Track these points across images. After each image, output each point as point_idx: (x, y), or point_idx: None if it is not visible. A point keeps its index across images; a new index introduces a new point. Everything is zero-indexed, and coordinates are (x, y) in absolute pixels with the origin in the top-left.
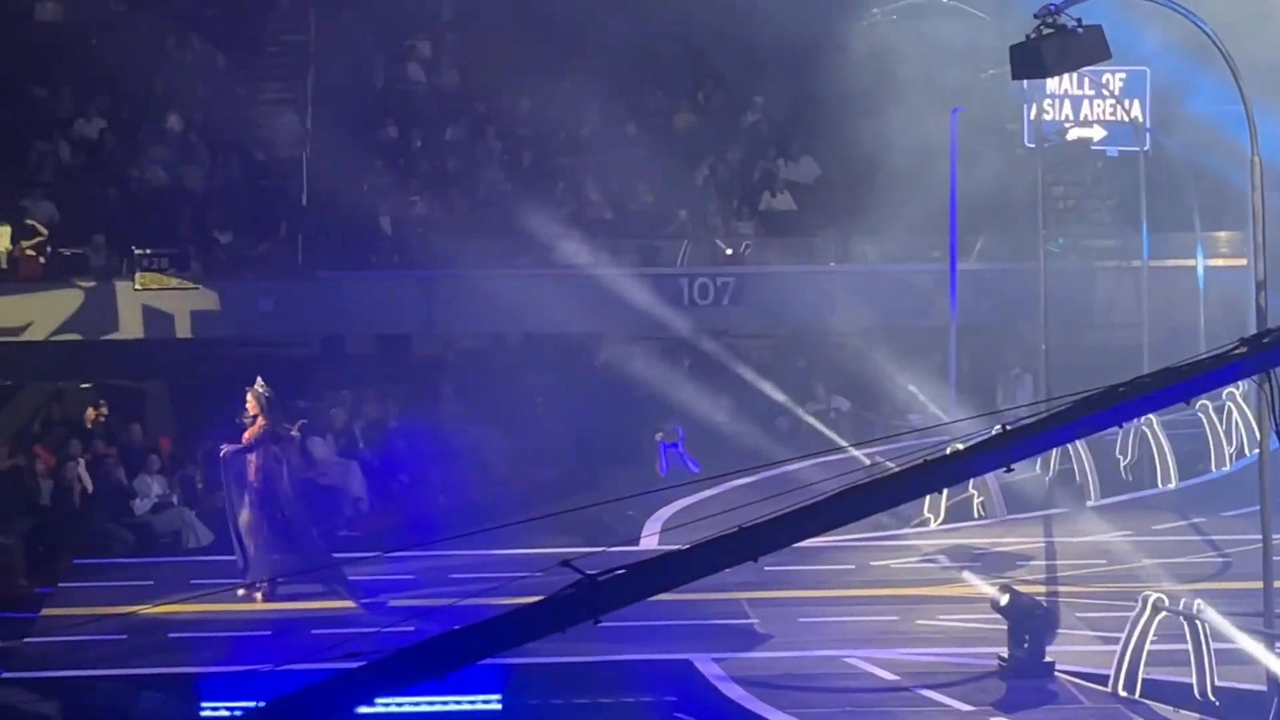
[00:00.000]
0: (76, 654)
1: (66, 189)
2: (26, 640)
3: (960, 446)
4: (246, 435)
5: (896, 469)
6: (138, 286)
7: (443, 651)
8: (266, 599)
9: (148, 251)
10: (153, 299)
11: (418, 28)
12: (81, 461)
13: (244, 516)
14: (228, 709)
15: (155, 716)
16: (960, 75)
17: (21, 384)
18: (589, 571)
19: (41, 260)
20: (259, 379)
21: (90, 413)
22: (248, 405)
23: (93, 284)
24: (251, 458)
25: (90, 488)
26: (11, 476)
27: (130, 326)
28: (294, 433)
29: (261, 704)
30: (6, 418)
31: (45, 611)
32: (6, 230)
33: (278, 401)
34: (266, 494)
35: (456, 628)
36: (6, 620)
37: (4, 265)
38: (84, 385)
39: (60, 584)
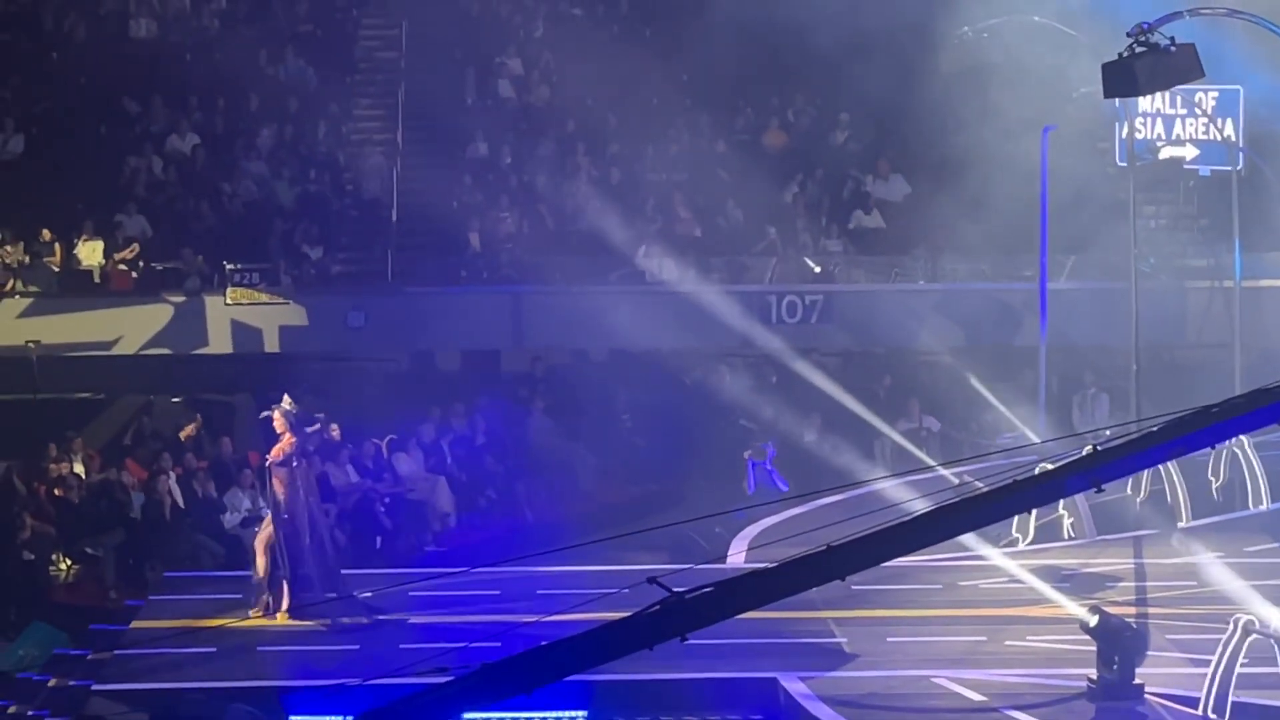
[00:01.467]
0: (166, 666)
1: (159, 203)
2: (117, 652)
3: (1050, 467)
4: (273, 453)
5: (986, 489)
6: (228, 301)
7: (530, 667)
8: (271, 614)
9: (238, 266)
10: (241, 313)
11: (509, 44)
12: (172, 475)
13: (263, 533)
14: None
15: None
16: (1052, 93)
17: (112, 397)
18: (676, 589)
19: (133, 274)
20: (285, 396)
21: (190, 429)
22: (274, 422)
23: (182, 298)
24: (277, 475)
25: (181, 501)
26: (102, 489)
27: (219, 341)
28: (329, 431)
29: (350, 718)
30: (97, 431)
31: (135, 624)
32: (99, 244)
33: (304, 419)
34: (289, 511)
35: (544, 643)
36: (97, 632)
37: (96, 279)
38: (175, 399)
39: (150, 596)
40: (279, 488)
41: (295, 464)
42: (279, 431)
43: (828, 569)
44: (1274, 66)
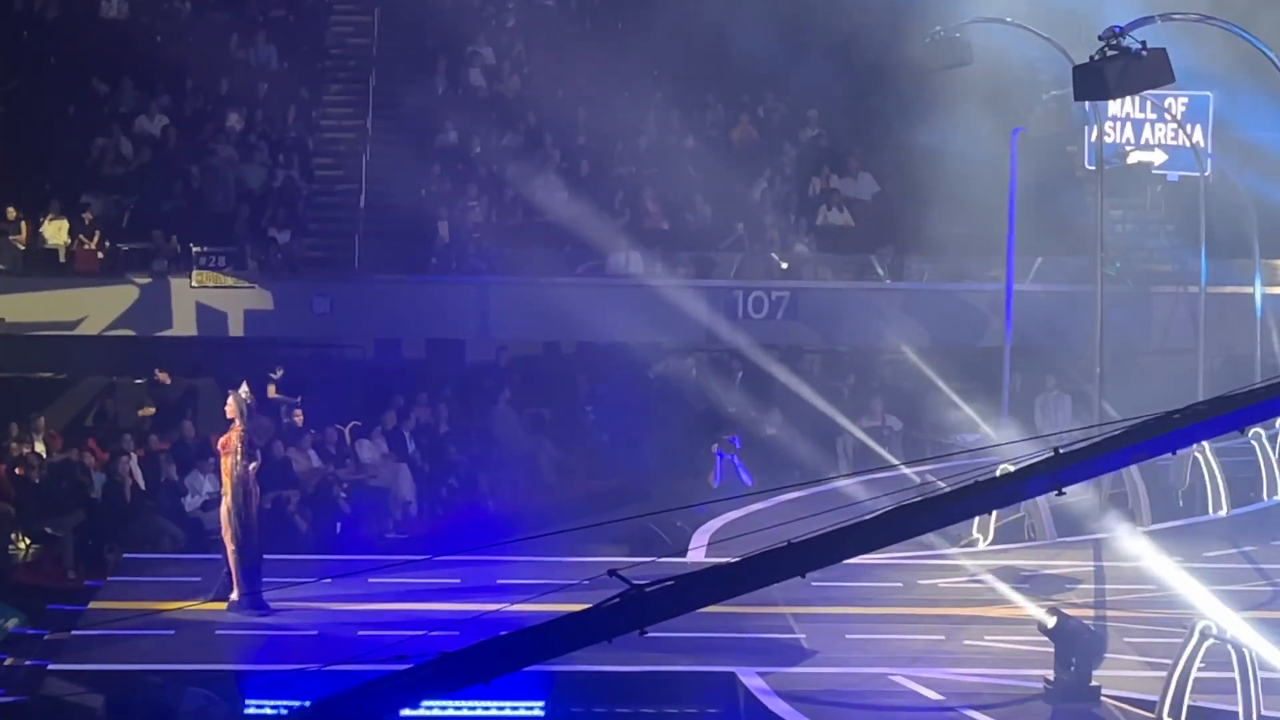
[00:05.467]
0: (123, 648)
1: (126, 185)
2: (74, 632)
3: (1012, 468)
4: (223, 441)
5: (948, 489)
6: (194, 284)
7: (489, 657)
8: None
9: (205, 249)
10: (207, 296)
11: (481, 34)
12: (133, 456)
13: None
14: (272, 707)
15: (200, 713)
16: (1022, 95)
17: (75, 378)
18: (636, 581)
19: (99, 255)
20: (244, 383)
21: (142, 411)
22: (227, 409)
23: (148, 280)
24: (225, 462)
25: (142, 483)
26: (64, 470)
27: (184, 323)
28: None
29: (308, 703)
30: (59, 411)
31: (93, 604)
32: (64, 224)
33: (257, 409)
34: (233, 498)
35: (503, 634)
36: (55, 612)
37: (61, 259)
38: (138, 380)
39: (109, 578)
40: (226, 476)
41: (241, 454)
42: (229, 418)
43: (788, 566)
44: (1244, 73)
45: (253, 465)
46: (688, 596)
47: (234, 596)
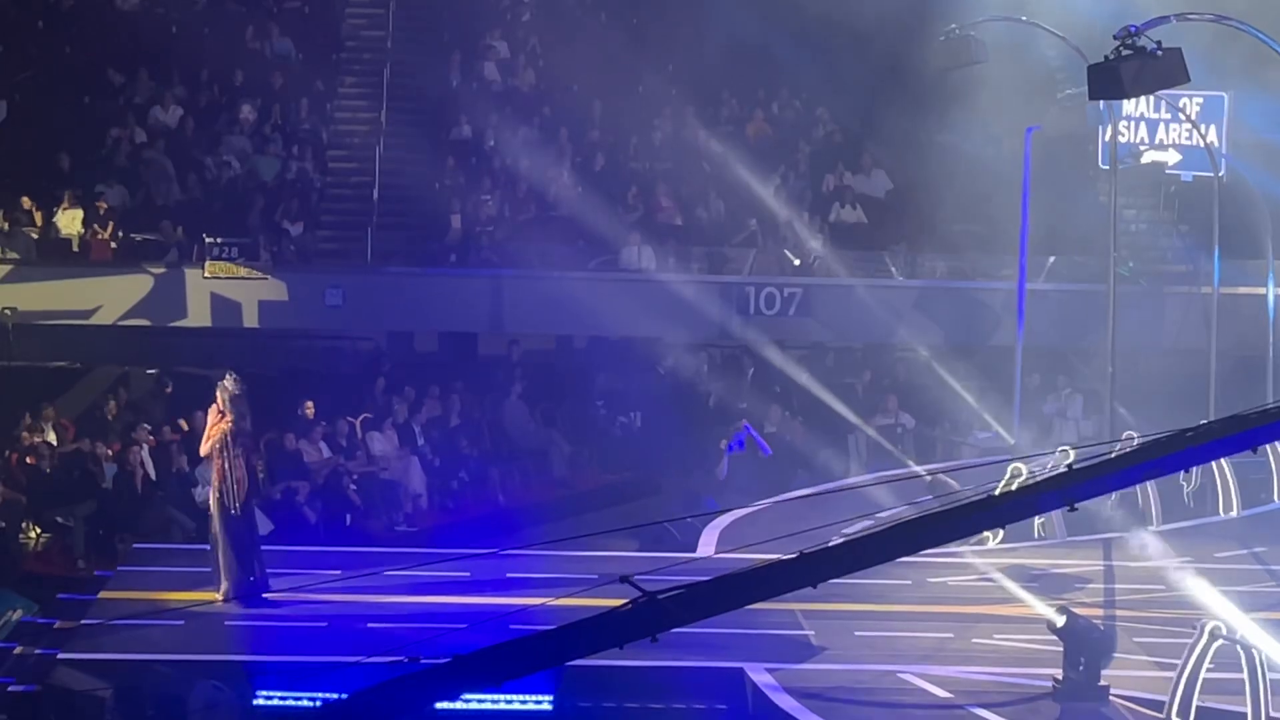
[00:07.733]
0: (133, 638)
1: (140, 175)
2: (84, 622)
3: (1023, 469)
4: (210, 433)
5: (960, 495)
6: (207, 275)
7: (501, 661)
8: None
9: (218, 240)
10: (221, 287)
11: (496, 27)
12: (145, 446)
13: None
14: (280, 698)
15: (209, 704)
16: (1037, 94)
17: (88, 367)
18: (647, 587)
19: (113, 245)
20: (229, 373)
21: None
22: (216, 400)
23: (162, 270)
24: (216, 456)
25: (153, 473)
26: (75, 459)
27: (198, 314)
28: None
29: (319, 702)
30: (72, 400)
31: (103, 594)
32: (78, 214)
33: (245, 398)
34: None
35: (515, 638)
36: (65, 601)
37: (75, 248)
38: (150, 370)
39: (119, 568)
40: (214, 470)
41: (229, 447)
42: (219, 410)
43: (800, 576)
44: (1261, 74)
45: (234, 454)
46: (699, 605)
47: (218, 593)
